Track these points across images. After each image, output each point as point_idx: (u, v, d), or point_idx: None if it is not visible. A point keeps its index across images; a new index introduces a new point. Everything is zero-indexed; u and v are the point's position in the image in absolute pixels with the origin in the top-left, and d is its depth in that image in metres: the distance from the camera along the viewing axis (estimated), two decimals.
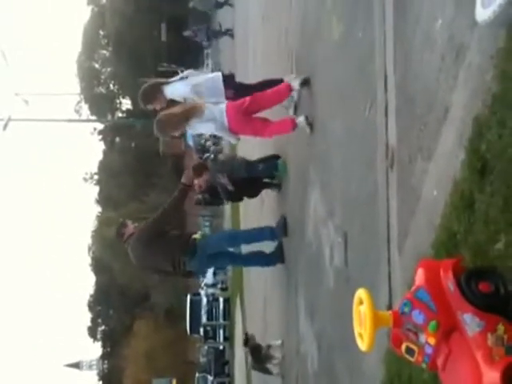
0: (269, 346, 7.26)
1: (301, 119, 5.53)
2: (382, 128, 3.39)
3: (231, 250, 7.05)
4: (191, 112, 5.39)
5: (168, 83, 6.00)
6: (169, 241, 6.09)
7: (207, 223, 29.97)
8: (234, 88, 5.89)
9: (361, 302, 2.08)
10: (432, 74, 2.66)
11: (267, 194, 8.29)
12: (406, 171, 3.00)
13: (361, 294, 2.07)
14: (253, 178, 7.36)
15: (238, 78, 6.91)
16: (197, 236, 6.35)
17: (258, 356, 7.19)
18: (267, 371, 7.22)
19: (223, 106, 5.47)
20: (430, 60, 2.70)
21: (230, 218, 19.21)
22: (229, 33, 22.63)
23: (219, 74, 6.16)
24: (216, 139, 23.24)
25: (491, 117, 2.03)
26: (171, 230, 6.24)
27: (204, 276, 18.20)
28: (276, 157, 7.28)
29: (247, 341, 7.26)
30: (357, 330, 2.09)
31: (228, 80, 5.99)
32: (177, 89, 5.89)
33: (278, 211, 7.72)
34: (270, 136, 5.97)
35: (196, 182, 7.12)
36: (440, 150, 2.53)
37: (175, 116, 5.42)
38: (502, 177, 1.93)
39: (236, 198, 8.35)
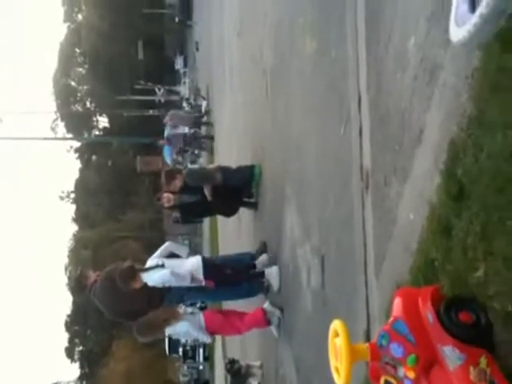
0: (248, 366, 7.13)
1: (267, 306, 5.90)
2: (356, 148, 3.32)
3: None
4: (170, 320, 5.61)
5: (144, 271, 5.59)
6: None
7: (186, 242, 29.70)
8: (212, 276, 5.75)
9: (336, 334, 1.98)
10: (405, 94, 2.59)
11: (244, 214, 8.19)
12: (381, 193, 2.92)
13: (336, 326, 1.97)
14: (231, 194, 7.28)
15: (216, 97, 6.85)
16: None
17: (239, 377, 7.06)
18: None
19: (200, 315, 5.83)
20: (403, 80, 2.64)
21: (209, 238, 19.04)
22: (196, 45, 22.52)
23: (200, 261, 5.78)
24: (194, 156, 23.14)
25: (467, 139, 1.96)
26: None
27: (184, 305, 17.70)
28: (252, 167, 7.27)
29: (231, 368, 7.11)
30: (333, 363, 1.99)
31: (207, 267, 5.77)
32: (154, 279, 5.52)
33: (256, 234, 7.63)
34: (247, 330, 6.15)
35: (165, 195, 7.06)
36: (415, 172, 2.46)
37: (156, 324, 5.62)
38: (480, 202, 1.86)
39: (212, 211, 8.24)
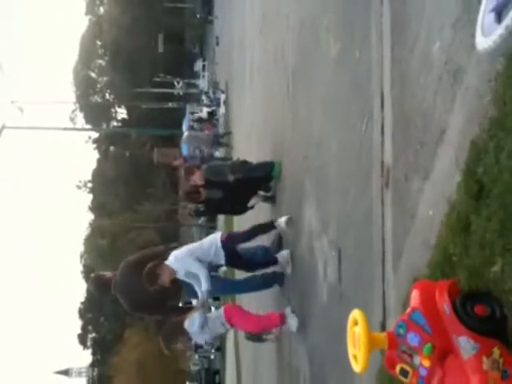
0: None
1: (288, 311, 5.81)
2: (377, 146, 3.41)
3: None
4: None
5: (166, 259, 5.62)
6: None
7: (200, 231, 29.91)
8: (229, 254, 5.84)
9: (355, 323, 2.07)
10: (429, 95, 2.68)
11: (262, 207, 8.28)
12: (401, 190, 3.01)
13: (356, 314, 2.07)
14: (248, 186, 7.35)
15: (235, 93, 6.93)
16: None
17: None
18: (261, 340, 7.05)
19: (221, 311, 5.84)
20: (426, 81, 2.72)
21: (224, 230, 19.17)
22: (216, 40, 22.57)
23: (218, 241, 5.83)
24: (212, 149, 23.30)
25: (488, 140, 2.04)
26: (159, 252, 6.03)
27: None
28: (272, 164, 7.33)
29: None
30: (351, 351, 2.09)
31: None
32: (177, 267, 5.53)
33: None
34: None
35: (192, 179, 7.13)
36: (436, 170, 2.54)
37: (180, 329, 5.64)
38: (499, 200, 1.94)
39: (218, 208, 8.33)
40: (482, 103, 2.15)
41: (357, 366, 2.01)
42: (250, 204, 7.68)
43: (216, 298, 21.07)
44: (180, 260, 5.56)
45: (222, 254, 5.75)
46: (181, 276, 5.57)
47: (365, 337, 1.95)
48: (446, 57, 2.50)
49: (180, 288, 5.86)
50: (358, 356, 2.00)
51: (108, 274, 6.01)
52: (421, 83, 2.76)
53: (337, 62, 4.61)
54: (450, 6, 2.52)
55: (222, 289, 6.81)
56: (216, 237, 5.94)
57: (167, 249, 6.10)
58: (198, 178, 7.14)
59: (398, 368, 2.02)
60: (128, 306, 5.97)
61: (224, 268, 7.09)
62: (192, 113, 24.03)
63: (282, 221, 6.04)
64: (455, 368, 1.85)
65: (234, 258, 5.95)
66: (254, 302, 9.08)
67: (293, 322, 5.62)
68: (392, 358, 2.03)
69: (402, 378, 2.02)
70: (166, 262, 5.53)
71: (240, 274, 7.46)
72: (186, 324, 5.69)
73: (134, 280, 5.63)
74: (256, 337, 6.74)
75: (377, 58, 3.43)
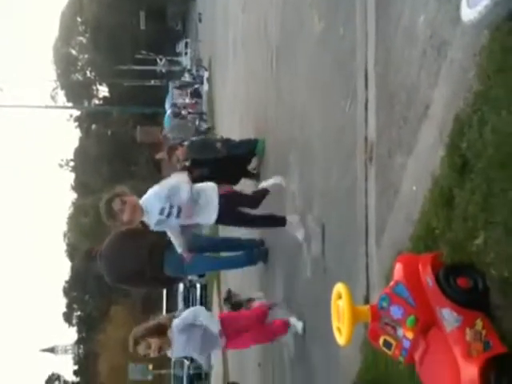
0: (250, 299, 7.02)
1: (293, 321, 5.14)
2: (361, 122, 3.40)
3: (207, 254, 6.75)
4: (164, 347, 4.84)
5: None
6: (140, 241, 5.68)
7: None
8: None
9: (339, 297, 2.09)
10: (413, 70, 2.67)
11: (244, 184, 8.28)
12: (384, 165, 3.02)
13: (339, 288, 2.09)
14: (233, 163, 7.33)
15: (218, 69, 6.87)
16: None
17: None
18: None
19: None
20: (411, 56, 2.71)
21: None
22: (199, 16, 22.23)
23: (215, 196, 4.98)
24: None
25: (472, 115, 2.04)
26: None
27: (184, 280, 17.40)
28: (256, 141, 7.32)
29: (229, 297, 7.08)
30: (335, 324, 2.11)
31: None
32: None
33: None
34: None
35: (177, 151, 7.07)
36: (420, 146, 2.55)
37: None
38: (483, 175, 1.95)
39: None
40: (467, 77, 2.15)
41: (341, 339, 2.03)
42: (250, 167, 7.54)
43: (200, 275, 21.16)
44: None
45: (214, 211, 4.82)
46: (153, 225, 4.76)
47: (348, 310, 1.97)
48: (430, 30, 2.48)
49: (161, 261, 5.72)
50: (341, 329, 2.02)
51: (97, 248, 5.93)
52: (405, 58, 2.75)
53: (321, 38, 4.58)
54: None
55: (204, 265, 6.76)
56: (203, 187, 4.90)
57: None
58: (180, 154, 7.11)
59: (381, 340, 2.05)
60: (112, 276, 5.83)
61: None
62: (174, 104, 23.82)
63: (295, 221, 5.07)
64: (438, 340, 1.88)
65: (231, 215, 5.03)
66: (238, 279, 9.14)
67: (298, 327, 4.98)
68: (375, 330, 2.06)
69: (386, 350, 2.04)
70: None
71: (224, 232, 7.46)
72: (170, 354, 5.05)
73: (120, 249, 5.64)
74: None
75: (361, 34, 3.41)
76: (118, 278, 5.90)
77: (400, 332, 1.98)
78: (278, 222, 5.20)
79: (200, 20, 27.76)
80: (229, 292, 7.22)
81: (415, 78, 2.64)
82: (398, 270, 2.06)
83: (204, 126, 18.67)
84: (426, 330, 1.93)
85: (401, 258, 2.15)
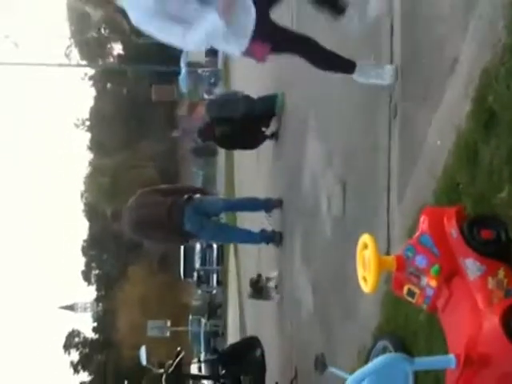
0: (267, 279, 7.30)
1: None
2: None
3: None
4: None
5: None
6: (164, 199, 6.02)
7: (201, 172, 29.94)
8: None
9: (365, 247, 2.15)
10: (441, 23, 2.66)
11: (263, 146, 8.29)
12: (409, 121, 3.03)
13: (365, 238, 2.15)
14: (252, 124, 7.34)
15: None
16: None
17: (259, 288, 7.23)
18: (266, 296, 7.22)
19: None
20: (439, 9, 2.69)
21: (224, 169, 19.21)
22: None
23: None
24: (209, 86, 23.04)
25: (500, 67, 2.05)
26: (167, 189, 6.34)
27: (201, 237, 17.74)
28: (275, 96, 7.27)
29: (257, 283, 7.29)
30: (360, 273, 2.17)
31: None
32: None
33: (275, 165, 7.77)
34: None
35: (195, 113, 7.13)
36: (446, 100, 2.56)
37: None
38: (509, 128, 1.97)
39: (232, 144, 8.33)
40: (495, 30, 2.15)
41: (367, 287, 2.10)
42: (268, 132, 7.56)
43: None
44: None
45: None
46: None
47: (375, 258, 2.03)
48: None
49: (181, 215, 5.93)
50: (367, 277, 2.08)
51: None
52: (433, 11, 2.73)
53: None
54: None
55: (220, 235, 6.98)
56: None
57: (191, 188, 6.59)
58: (201, 110, 7.17)
59: (405, 289, 2.11)
60: (131, 225, 6.09)
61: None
62: (189, 63, 23.61)
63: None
64: (461, 288, 1.94)
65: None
66: (255, 248, 9.22)
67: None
68: (400, 279, 2.12)
69: (409, 299, 2.11)
70: None
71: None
72: None
73: (141, 202, 5.96)
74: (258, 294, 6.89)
75: None
76: (136, 227, 6.10)
77: (424, 281, 2.04)
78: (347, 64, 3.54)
79: None
80: (259, 276, 7.38)
81: (443, 31, 2.63)
82: (424, 221, 2.11)
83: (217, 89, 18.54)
84: (450, 278, 2.00)
85: (426, 210, 2.19)
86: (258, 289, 7.11)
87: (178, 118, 32.18)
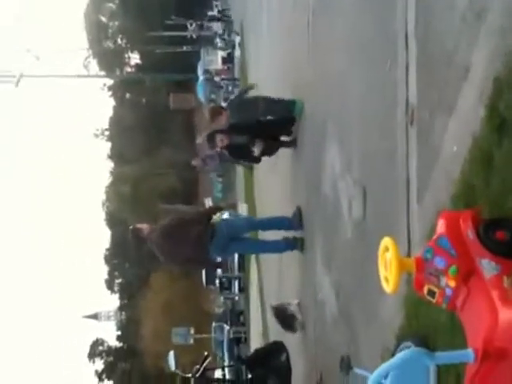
0: (288, 304, 7.38)
1: None
2: (402, 84, 3.50)
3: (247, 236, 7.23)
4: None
5: None
6: (189, 229, 6.39)
7: (219, 180, 30.13)
8: None
9: (386, 250, 2.26)
10: (453, 33, 2.76)
11: (282, 153, 8.36)
12: (425, 127, 3.13)
13: (387, 242, 2.26)
14: (270, 132, 7.41)
15: (251, 34, 6.82)
16: (216, 218, 6.70)
17: (283, 318, 7.30)
18: (295, 329, 7.34)
19: None
20: (451, 19, 2.79)
21: (243, 178, 19.32)
22: None
23: None
24: (228, 94, 23.25)
25: (510, 76, 2.15)
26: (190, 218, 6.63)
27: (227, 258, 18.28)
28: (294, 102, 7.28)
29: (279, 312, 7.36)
30: (382, 274, 2.28)
31: None
32: None
33: (294, 171, 7.86)
34: None
35: (218, 136, 7.22)
36: (460, 107, 2.66)
37: None
38: None
39: (254, 158, 8.41)
40: (506, 40, 2.25)
41: (388, 287, 2.21)
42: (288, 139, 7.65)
43: (240, 269, 21.37)
44: None
45: None
46: None
47: (396, 259, 2.14)
48: None
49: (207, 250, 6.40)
50: (389, 278, 2.20)
51: (144, 226, 6.55)
52: (445, 20, 2.84)
53: None
54: None
55: (245, 246, 7.23)
56: None
57: (211, 211, 6.94)
58: (224, 120, 7.22)
59: (425, 289, 2.22)
60: (165, 260, 6.75)
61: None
62: (207, 70, 23.91)
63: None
64: (478, 286, 2.05)
65: None
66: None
67: None
68: (420, 280, 2.23)
69: (430, 298, 2.22)
70: None
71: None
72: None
73: (171, 242, 6.33)
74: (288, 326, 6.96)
75: None
76: (170, 262, 6.95)
77: (443, 281, 2.15)
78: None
79: None
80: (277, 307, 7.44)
81: (455, 40, 2.73)
82: (441, 224, 2.21)
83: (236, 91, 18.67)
84: (467, 278, 2.10)
85: (443, 214, 2.30)
86: (285, 319, 7.20)
87: (196, 126, 32.47)
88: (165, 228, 6.40)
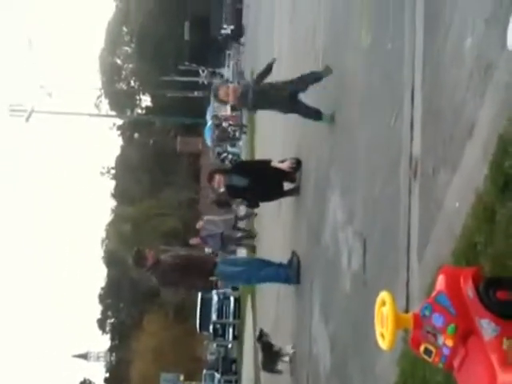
0: (281, 348, 7.35)
1: None
2: (406, 138, 3.50)
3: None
4: None
5: None
6: (192, 271, 6.73)
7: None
8: None
9: (383, 304, 2.19)
10: (459, 89, 2.77)
11: (284, 200, 8.34)
12: (429, 181, 3.11)
13: (384, 296, 2.19)
14: (274, 184, 7.41)
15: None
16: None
17: (269, 353, 7.27)
18: (276, 371, 7.32)
19: None
20: (457, 76, 2.81)
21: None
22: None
23: None
24: (234, 141, 23.49)
25: None
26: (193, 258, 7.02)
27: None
28: (299, 162, 7.31)
29: (261, 336, 7.37)
30: (378, 329, 2.21)
31: None
32: None
33: (296, 219, 7.82)
34: None
35: (216, 177, 7.27)
36: (464, 163, 2.64)
37: None
38: None
39: (253, 202, 8.42)
40: (511, 96, 2.24)
41: (384, 343, 2.13)
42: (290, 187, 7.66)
43: (234, 288, 21.27)
44: None
45: None
46: None
47: (392, 315, 2.07)
48: (477, 52, 2.59)
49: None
50: (385, 334, 2.12)
51: (149, 256, 6.66)
52: (452, 77, 2.86)
53: (369, 51, 4.70)
54: (483, 2, 2.61)
55: (243, 276, 7.19)
56: None
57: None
58: (220, 180, 7.29)
59: (422, 347, 2.14)
60: (161, 285, 7.23)
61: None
62: (215, 116, 24.30)
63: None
64: (477, 348, 1.97)
65: None
66: (274, 292, 9.22)
67: None
68: (417, 337, 2.15)
69: (426, 357, 2.13)
70: None
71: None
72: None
73: (175, 276, 6.71)
74: (271, 367, 7.06)
75: (409, 51, 3.53)
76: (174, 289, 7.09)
77: (440, 340, 2.07)
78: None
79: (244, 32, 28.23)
80: (261, 331, 7.53)
81: (461, 96, 2.74)
82: (441, 280, 2.15)
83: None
84: (466, 338, 2.02)
85: (443, 269, 2.23)
86: (270, 356, 7.22)
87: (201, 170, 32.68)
88: (168, 268, 6.65)
